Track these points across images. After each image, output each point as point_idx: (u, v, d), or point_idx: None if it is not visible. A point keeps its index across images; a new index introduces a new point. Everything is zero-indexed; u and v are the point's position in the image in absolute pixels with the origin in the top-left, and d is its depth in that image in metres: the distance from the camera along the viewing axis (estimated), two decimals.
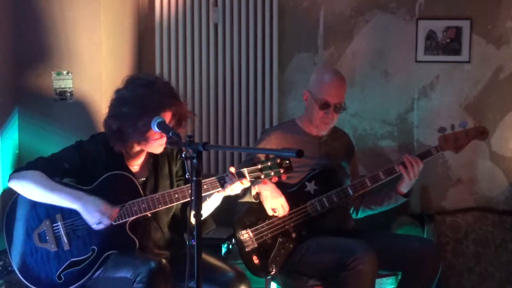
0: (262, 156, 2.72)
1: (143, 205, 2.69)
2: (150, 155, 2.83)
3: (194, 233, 2.15)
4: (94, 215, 2.63)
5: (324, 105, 3.10)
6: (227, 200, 2.78)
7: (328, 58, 4.20)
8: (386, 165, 3.16)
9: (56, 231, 2.71)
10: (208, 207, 2.78)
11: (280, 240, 3.06)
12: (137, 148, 2.77)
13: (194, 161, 2.16)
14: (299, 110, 3.90)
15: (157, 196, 2.70)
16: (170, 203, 2.70)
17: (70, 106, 3.84)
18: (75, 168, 2.74)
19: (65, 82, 3.83)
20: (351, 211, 3.31)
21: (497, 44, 4.07)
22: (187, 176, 2.24)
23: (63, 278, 2.69)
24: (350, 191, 3.11)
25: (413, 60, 4.12)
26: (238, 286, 2.72)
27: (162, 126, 2.55)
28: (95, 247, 2.69)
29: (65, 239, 2.70)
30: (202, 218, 2.53)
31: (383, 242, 3.04)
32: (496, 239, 3.99)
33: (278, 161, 2.67)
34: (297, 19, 4.21)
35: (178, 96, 2.75)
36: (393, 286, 3.22)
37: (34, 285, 2.72)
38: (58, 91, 3.84)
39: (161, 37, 4.26)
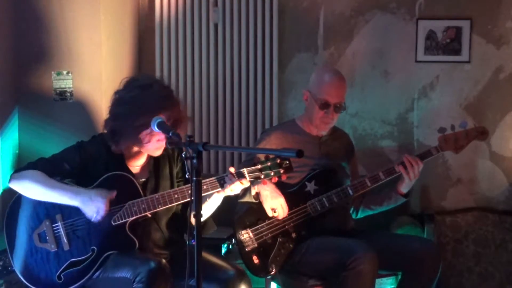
0: (262, 156, 2.72)
1: (143, 206, 2.69)
2: (151, 157, 2.84)
3: (194, 233, 2.15)
4: (91, 206, 2.62)
5: (324, 105, 3.10)
6: (227, 200, 2.78)
7: (328, 58, 4.20)
8: (386, 165, 3.16)
9: (56, 231, 2.71)
10: (209, 207, 2.78)
11: (280, 240, 3.06)
12: (135, 148, 2.77)
13: (194, 161, 2.16)
14: (299, 110, 3.90)
15: (156, 196, 2.70)
16: (170, 204, 2.70)
17: (70, 106, 3.84)
18: (75, 169, 2.74)
19: (65, 82, 3.83)
20: (351, 211, 3.31)
21: (497, 44, 4.07)
22: (187, 176, 2.24)
23: (63, 278, 2.69)
24: (350, 191, 3.11)
25: (413, 60, 4.12)
26: (238, 284, 2.72)
27: (162, 126, 2.55)
28: (95, 247, 2.69)
29: (65, 239, 2.70)
30: (202, 220, 2.54)
31: (383, 242, 3.04)
32: (496, 239, 3.98)
33: (278, 161, 2.67)
34: (297, 19, 4.21)
35: (174, 100, 2.74)
36: (393, 286, 3.21)
37: (34, 285, 2.72)
38: (58, 91, 3.84)
39: (161, 37, 4.26)
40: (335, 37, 4.19)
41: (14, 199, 2.79)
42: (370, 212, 3.32)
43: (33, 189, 2.68)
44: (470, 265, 3.99)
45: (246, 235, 3.05)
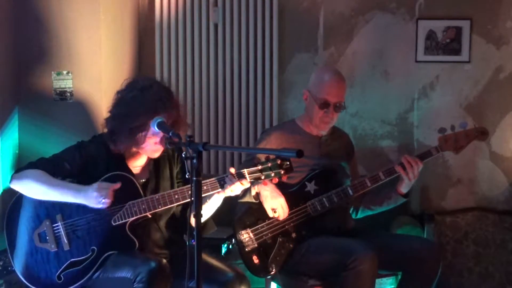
0: (262, 157, 2.72)
1: (143, 206, 2.69)
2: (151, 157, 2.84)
3: (194, 233, 2.15)
4: (95, 196, 2.61)
5: (324, 104, 3.10)
6: (227, 200, 2.78)
7: (328, 58, 4.20)
8: (386, 165, 3.16)
9: (56, 231, 2.71)
10: (209, 208, 2.78)
11: (280, 240, 3.06)
12: (134, 149, 2.77)
13: (194, 161, 2.15)
14: (299, 110, 3.90)
15: (157, 197, 2.70)
16: (170, 204, 2.70)
17: (70, 106, 3.84)
18: (76, 169, 2.74)
19: (65, 82, 3.83)
20: (350, 211, 3.31)
21: (497, 44, 4.07)
22: (187, 176, 2.23)
23: (62, 278, 2.68)
24: (350, 191, 3.11)
25: (413, 60, 4.12)
26: (237, 287, 2.72)
27: (162, 126, 2.55)
28: (95, 247, 2.69)
29: (65, 239, 2.70)
30: (202, 220, 2.53)
31: (383, 242, 3.04)
32: (496, 239, 3.98)
33: (279, 162, 2.67)
34: (297, 19, 4.21)
35: (173, 103, 2.72)
36: (393, 286, 3.22)
37: (33, 285, 2.71)
38: (58, 91, 3.84)
39: (161, 37, 4.26)
40: (335, 37, 4.19)
41: (14, 199, 2.79)
42: (370, 212, 3.32)
43: (35, 189, 2.67)
44: (470, 265, 3.99)
45: (246, 235, 3.05)
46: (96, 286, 2.69)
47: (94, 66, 3.82)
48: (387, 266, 3.02)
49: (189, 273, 2.19)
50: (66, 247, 2.70)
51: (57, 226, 2.71)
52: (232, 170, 2.68)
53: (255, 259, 3.04)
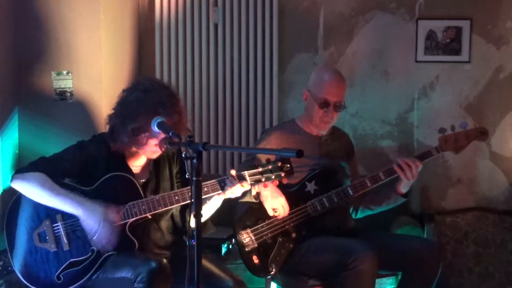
0: (262, 157, 2.71)
1: (143, 207, 2.69)
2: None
3: (194, 233, 2.15)
4: (96, 223, 2.62)
5: (324, 104, 3.10)
6: (227, 200, 2.78)
7: (328, 58, 4.20)
8: (386, 165, 3.15)
9: (56, 231, 2.71)
10: (208, 209, 2.78)
11: (280, 240, 3.06)
12: (134, 148, 2.77)
13: (194, 161, 2.15)
14: (299, 110, 3.90)
15: (157, 197, 2.70)
16: (170, 205, 2.70)
17: (70, 106, 3.84)
18: (76, 169, 2.74)
19: (65, 82, 3.83)
20: (350, 211, 3.31)
21: (497, 44, 4.07)
22: (187, 176, 2.23)
23: (62, 278, 2.68)
24: (350, 191, 3.11)
25: (413, 60, 4.12)
26: None
27: (162, 126, 2.55)
28: (94, 248, 2.68)
29: (65, 239, 2.70)
30: (202, 221, 2.52)
31: (383, 242, 3.04)
32: (496, 239, 3.99)
33: (280, 164, 2.66)
34: (297, 19, 4.21)
35: (176, 108, 2.70)
36: (393, 286, 3.22)
37: (33, 285, 2.71)
38: (58, 91, 3.84)
39: (161, 37, 4.26)
40: (335, 37, 4.19)
41: (14, 199, 2.78)
42: (369, 212, 3.32)
43: (36, 193, 2.67)
44: (470, 265, 3.99)
45: (246, 235, 3.04)
46: (96, 286, 2.69)
47: (94, 66, 3.82)
48: (387, 266, 3.02)
49: (189, 277, 2.19)
50: (66, 247, 2.70)
51: (57, 226, 2.71)
52: (233, 172, 2.68)
53: (255, 259, 3.04)
